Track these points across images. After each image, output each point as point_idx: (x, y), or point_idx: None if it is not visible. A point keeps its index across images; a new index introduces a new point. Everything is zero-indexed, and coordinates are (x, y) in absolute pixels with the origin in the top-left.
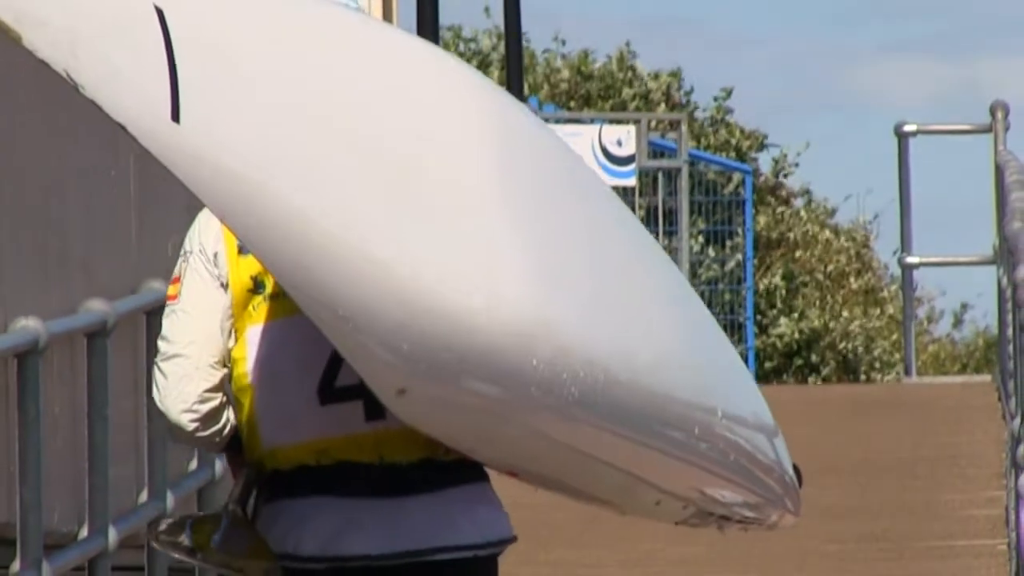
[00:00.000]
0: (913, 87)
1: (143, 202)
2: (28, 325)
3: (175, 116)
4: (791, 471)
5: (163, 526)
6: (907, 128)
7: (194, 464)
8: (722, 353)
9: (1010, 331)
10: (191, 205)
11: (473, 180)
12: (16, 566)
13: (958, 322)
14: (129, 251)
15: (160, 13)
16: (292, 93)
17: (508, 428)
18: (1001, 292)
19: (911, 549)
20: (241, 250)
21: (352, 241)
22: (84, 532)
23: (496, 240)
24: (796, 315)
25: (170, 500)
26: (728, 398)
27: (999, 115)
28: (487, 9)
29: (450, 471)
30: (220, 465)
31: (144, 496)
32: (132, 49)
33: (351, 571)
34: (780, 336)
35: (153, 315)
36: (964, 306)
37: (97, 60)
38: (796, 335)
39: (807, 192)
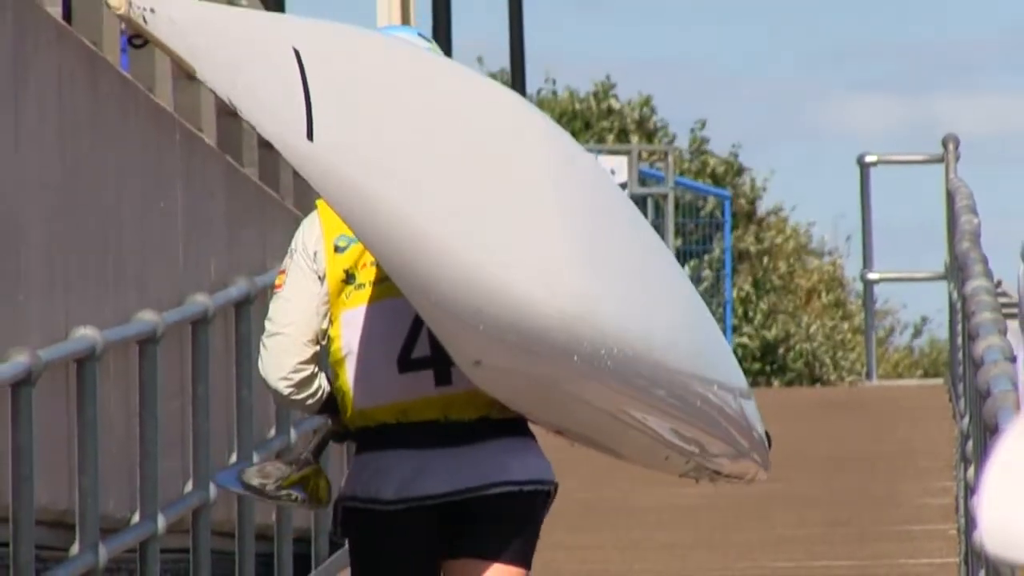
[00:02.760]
0: (874, 122)
1: (188, 227)
2: (86, 333)
3: (309, 136)
4: (763, 435)
5: (270, 484)
6: (868, 159)
7: (234, 457)
8: (715, 335)
9: (960, 340)
10: (230, 228)
11: (538, 200)
12: (75, 548)
13: (918, 333)
14: (176, 268)
15: (297, 54)
16: (402, 121)
17: (557, 393)
18: (952, 305)
19: (872, 534)
20: (337, 249)
21: (445, 242)
22: (136, 518)
23: (554, 246)
24: (758, 324)
25: (212, 490)
26: (720, 372)
27: (950, 147)
28: (480, 59)
29: (501, 427)
30: (258, 458)
31: (189, 486)
32: (277, 82)
33: (423, 508)
34: (743, 346)
35: (198, 324)
36: (924, 319)
37: (251, 90)
38: (757, 342)
39: (779, 211)
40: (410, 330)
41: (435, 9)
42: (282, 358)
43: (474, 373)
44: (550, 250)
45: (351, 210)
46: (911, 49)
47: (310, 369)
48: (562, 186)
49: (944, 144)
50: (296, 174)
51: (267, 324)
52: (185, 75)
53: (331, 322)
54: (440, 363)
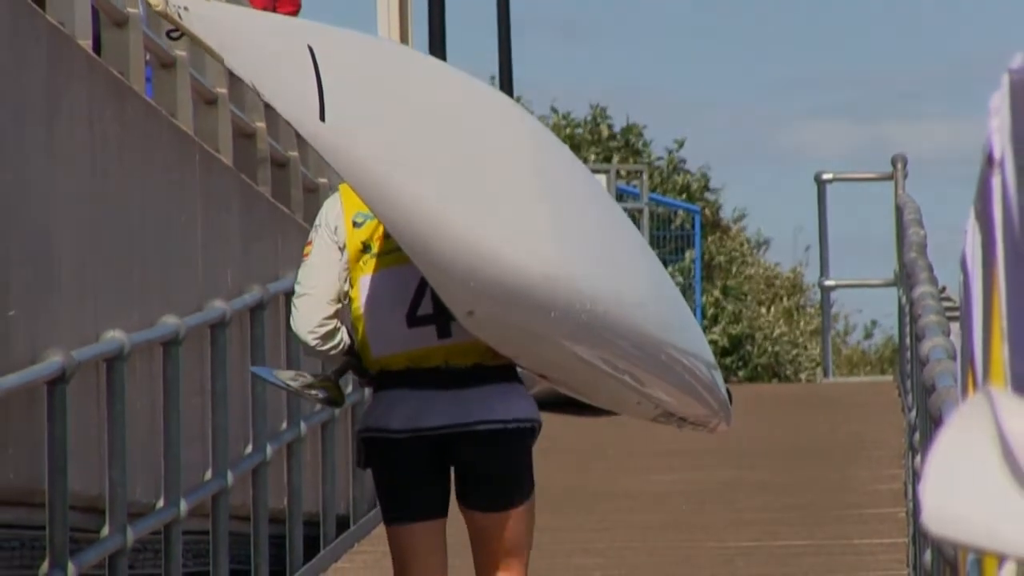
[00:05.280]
0: (831, 143)
1: (207, 239)
2: (115, 336)
3: (322, 117)
4: (724, 393)
5: (297, 384)
6: (825, 176)
7: (249, 449)
8: (681, 307)
9: (908, 340)
10: (245, 240)
11: (519, 177)
12: (106, 530)
13: (868, 335)
14: (196, 277)
15: (311, 49)
16: (405, 107)
17: (538, 342)
18: (901, 308)
19: (828, 516)
20: (355, 224)
21: (442, 212)
22: (160, 503)
23: (534, 216)
24: (724, 323)
25: (230, 478)
26: (683, 337)
27: (899, 166)
28: (492, 78)
29: (493, 372)
30: (271, 449)
31: (209, 475)
32: (294, 71)
33: (425, 438)
34: (713, 342)
35: (217, 328)
36: (874, 322)
37: (271, 77)
38: (725, 338)
39: (743, 217)
40: (416, 292)
41: (431, 40)
42: (310, 315)
43: (467, 321)
44: (531, 220)
45: (359, 182)
46: (864, 79)
47: (333, 324)
48: (542, 167)
49: (893, 163)
50: (306, 191)
51: (296, 287)
52: (204, 101)
53: (351, 285)
54: (442, 319)
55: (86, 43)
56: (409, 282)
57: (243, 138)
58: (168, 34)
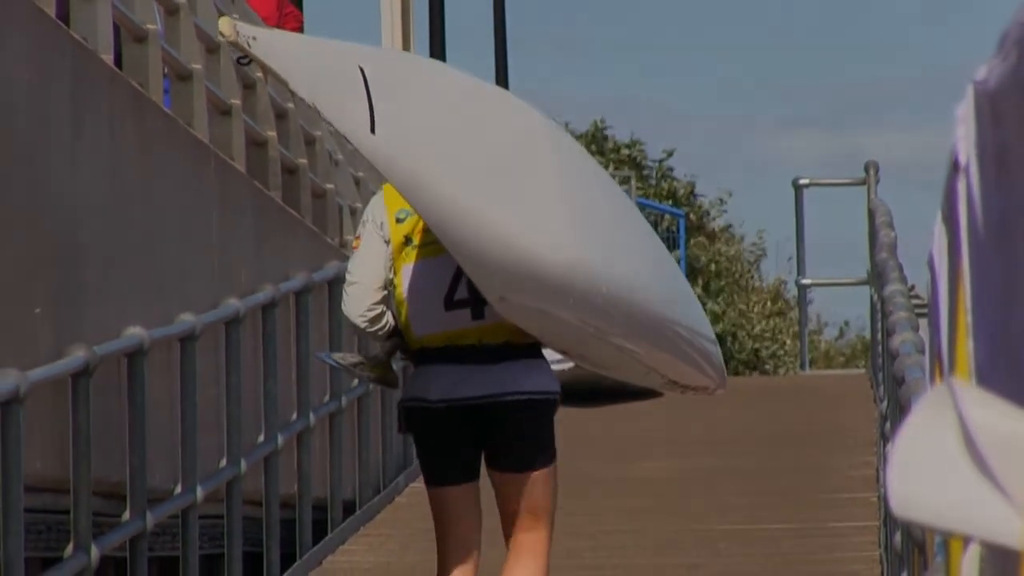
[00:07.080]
0: (807, 151)
1: (222, 239)
2: (135, 332)
3: (372, 130)
4: (721, 361)
5: (355, 366)
6: (802, 182)
7: (261, 438)
8: (683, 287)
9: (879, 335)
10: (258, 242)
11: (541, 174)
12: (127, 515)
13: (842, 335)
14: (212, 275)
15: (362, 71)
16: (442, 119)
17: (559, 323)
18: (873, 306)
19: (805, 501)
20: (398, 220)
21: (475, 210)
22: (178, 489)
23: (554, 212)
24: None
25: (243, 465)
26: (685, 313)
27: (871, 171)
28: None
29: (521, 349)
30: (282, 438)
31: (223, 462)
32: (347, 89)
33: (460, 408)
34: None
35: (231, 324)
36: (847, 322)
37: (328, 97)
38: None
39: (729, 227)
40: (452, 279)
41: (431, 54)
42: (360, 301)
43: (500, 306)
44: (553, 216)
45: (404, 186)
46: (837, 89)
47: (380, 308)
48: (560, 163)
49: (866, 169)
50: (314, 196)
51: (347, 275)
52: (219, 112)
53: (395, 274)
54: (476, 303)
55: (108, 58)
56: (446, 270)
57: (255, 146)
58: (238, 60)
